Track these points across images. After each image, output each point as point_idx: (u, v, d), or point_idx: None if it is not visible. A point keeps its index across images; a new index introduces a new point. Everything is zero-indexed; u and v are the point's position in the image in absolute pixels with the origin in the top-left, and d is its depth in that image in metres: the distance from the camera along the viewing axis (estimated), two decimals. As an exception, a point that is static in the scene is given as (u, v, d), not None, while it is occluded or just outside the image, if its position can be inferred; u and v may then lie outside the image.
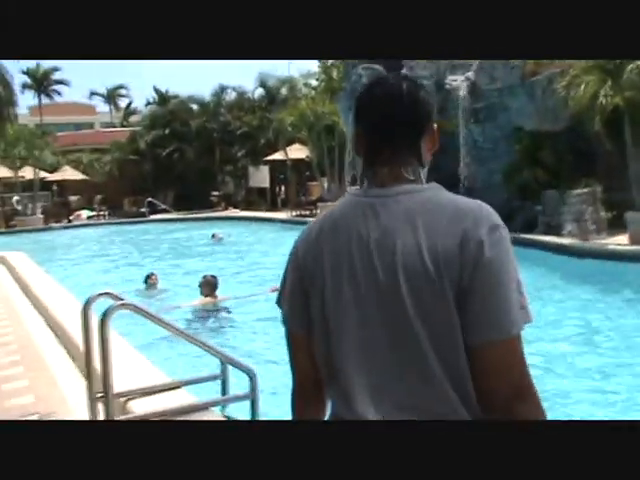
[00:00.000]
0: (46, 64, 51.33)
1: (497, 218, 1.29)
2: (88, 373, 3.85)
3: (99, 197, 31.61)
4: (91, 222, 28.34)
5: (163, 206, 30.33)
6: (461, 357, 1.25)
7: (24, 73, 50.21)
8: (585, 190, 12.97)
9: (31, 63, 52.65)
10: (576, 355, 6.77)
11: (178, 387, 4.14)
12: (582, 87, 11.72)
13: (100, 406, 3.62)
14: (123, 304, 3.71)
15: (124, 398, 3.93)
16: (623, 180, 12.48)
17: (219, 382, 4.06)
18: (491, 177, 14.74)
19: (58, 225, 27.23)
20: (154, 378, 4.41)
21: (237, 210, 28.74)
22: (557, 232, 12.98)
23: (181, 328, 4.24)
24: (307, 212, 23.31)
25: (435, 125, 1.43)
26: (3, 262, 13.69)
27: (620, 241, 12.09)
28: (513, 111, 14.03)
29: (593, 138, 13.36)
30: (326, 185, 24.56)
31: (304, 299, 1.41)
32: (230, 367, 4.02)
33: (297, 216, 23.34)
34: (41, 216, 27.82)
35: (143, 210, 29.84)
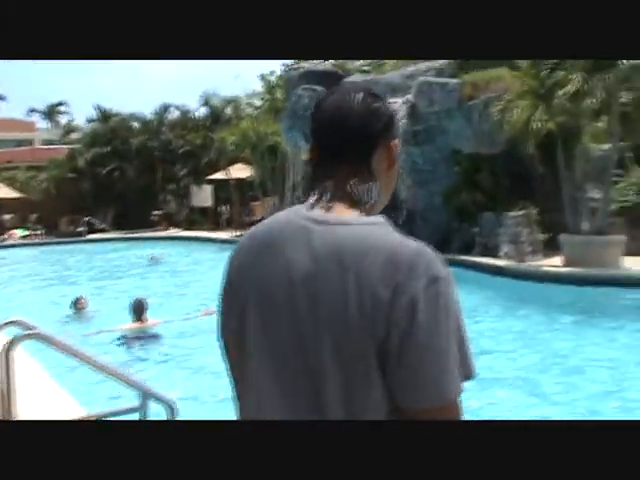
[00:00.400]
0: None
1: (438, 266, 1.15)
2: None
3: (34, 216, 30.61)
4: (25, 242, 27.38)
5: (102, 225, 29.61)
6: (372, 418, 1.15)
7: (-42, 87, 48.63)
8: (521, 212, 13.23)
9: (-34, 77, 50.94)
10: (509, 372, 6.81)
11: (93, 421, 3.89)
12: (516, 112, 11.98)
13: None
14: (30, 334, 3.47)
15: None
16: (557, 203, 12.79)
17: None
18: (432, 199, 14.90)
19: (-11, 245, 26.20)
20: (68, 410, 4.16)
21: (178, 230, 28.27)
22: (494, 254, 13.17)
23: (96, 358, 3.98)
24: (250, 232, 23.08)
25: (395, 141, 1.30)
26: None
27: (554, 262, 12.34)
28: (451, 134, 14.24)
29: (529, 161, 13.68)
30: (270, 205, 24.43)
31: None
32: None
33: (239, 236, 23.11)
34: (-29, 235, 26.73)
35: (80, 230, 29.04)
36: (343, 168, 1.27)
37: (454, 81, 13.93)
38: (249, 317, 1.24)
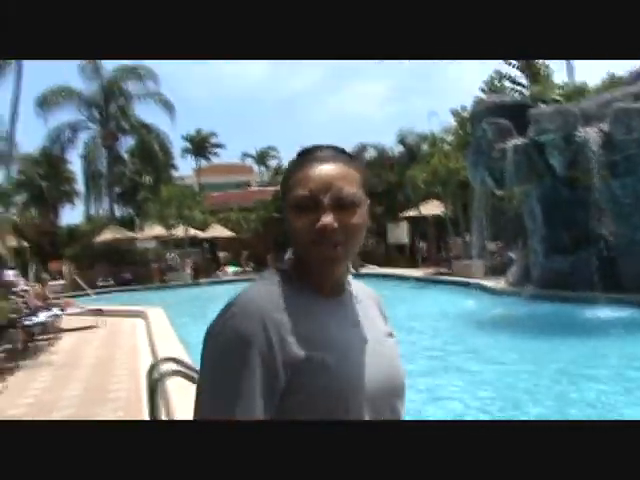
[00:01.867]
0: (205, 130, 55.67)
1: (215, 322, 1.25)
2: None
3: (245, 253, 33.12)
4: (236, 277, 29.66)
5: (304, 262, 31.05)
6: None
7: (184, 139, 54.82)
8: None
9: (191, 130, 57.25)
10: None
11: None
12: None
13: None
14: (175, 371, 3.81)
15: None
16: None
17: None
18: (635, 234, 13.58)
19: (205, 280, 28.79)
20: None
21: (375, 267, 28.73)
22: None
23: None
24: (444, 269, 22.72)
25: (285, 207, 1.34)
26: (143, 317, 14.70)
27: None
28: (656, 163, 12.93)
29: None
30: (461, 242, 23.94)
31: None
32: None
33: (435, 274, 22.84)
34: (190, 272, 29.58)
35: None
36: None
37: (657, 105, 12.68)
38: None
